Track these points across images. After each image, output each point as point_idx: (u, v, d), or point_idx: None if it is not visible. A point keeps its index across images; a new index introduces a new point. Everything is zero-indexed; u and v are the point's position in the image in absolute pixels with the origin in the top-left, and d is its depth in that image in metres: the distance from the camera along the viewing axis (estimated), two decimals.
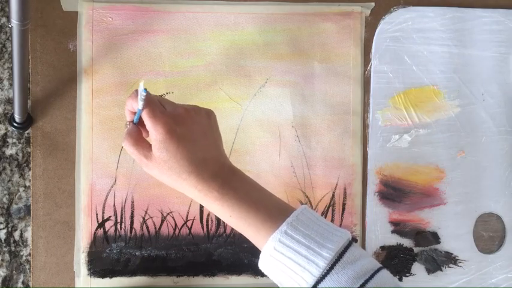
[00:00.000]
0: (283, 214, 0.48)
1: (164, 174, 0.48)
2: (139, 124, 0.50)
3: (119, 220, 0.62)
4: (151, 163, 0.48)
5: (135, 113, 0.49)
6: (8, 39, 0.63)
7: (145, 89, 0.45)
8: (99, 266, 0.62)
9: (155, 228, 0.63)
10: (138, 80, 0.63)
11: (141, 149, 0.48)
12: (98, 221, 0.62)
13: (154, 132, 0.47)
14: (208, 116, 0.51)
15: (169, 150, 0.47)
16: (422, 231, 0.67)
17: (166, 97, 0.63)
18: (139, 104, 0.47)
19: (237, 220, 0.48)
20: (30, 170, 0.62)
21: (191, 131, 0.48)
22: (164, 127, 0.46)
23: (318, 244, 0.45)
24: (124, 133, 0.50)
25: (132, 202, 0.63)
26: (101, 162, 0.62)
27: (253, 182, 0.51)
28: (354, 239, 0.48)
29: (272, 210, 0.48)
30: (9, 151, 0.63)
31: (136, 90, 0.47)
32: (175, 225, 0.63)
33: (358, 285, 0.44)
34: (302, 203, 0.65)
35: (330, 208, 0.65)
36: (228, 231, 0.64)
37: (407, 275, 0.66)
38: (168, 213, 0.63)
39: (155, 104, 0.48)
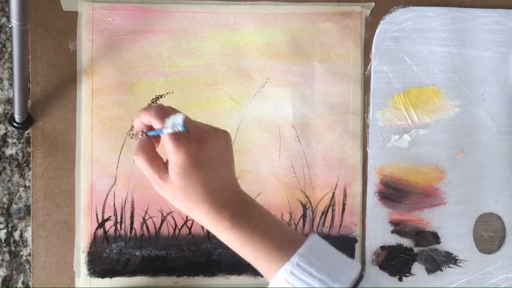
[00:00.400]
0: (294, 244, 0.46)
1: (177, 200, 0.47)
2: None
3: (118, 220, 0.62)
4: (166, 185, 0.46)
5: (148, 125, 0.47)
6: (8, 39, 0.63)
7: (183, 126, 0.43)
8: (99, 266, 0.62)
9: (155, 228, 0.63)
10: (138, 80, 0.63)
11: (156, 167, 0.46)
12: (98, 221, 0.62)
13: (175, 157, 0.45)
14: (225, 138, 0.49)
15: (189, 177, 0.45)
16: (422, 231, 0.67)
17: (166, 97, 0.63)
18: (165, 130, 0.45)
19: (247, 250, 0.47)
20: (30, 170, 0.62)
21: (211, 157, 0.46)
22: (187, 153, 0.44)
23: (330, 277, 0.44)
24: (136, 145, 0.47)
25: (132, 202, 0.63)
26: (101, 162, 0.62)
27: (264, 210, 0.50)
28: (361, 273, 0.47)
29: (283, 240, 0.47)
30: (9, 151, 0.63)
31: (157, 108, 0.45)
32: (175, 225, 0.63)
33: None
34: (302, 204, 0.65)
35: (330, 208, 0.65)
36: None
37: (407, 275, 0.66)
38: (168, 213, 0.63)
39: None
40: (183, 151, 0.44)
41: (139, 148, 0.47)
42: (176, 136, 0.45)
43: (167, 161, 0.46)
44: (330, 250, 0.47)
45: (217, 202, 0.46)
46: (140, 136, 0.48)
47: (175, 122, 0.44)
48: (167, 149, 0.45)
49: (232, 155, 0.50)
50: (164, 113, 0.46)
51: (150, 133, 0.47)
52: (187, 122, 0.46)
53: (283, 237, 0.47)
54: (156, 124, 0.46)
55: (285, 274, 0.45)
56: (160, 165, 0.46)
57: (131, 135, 0.48)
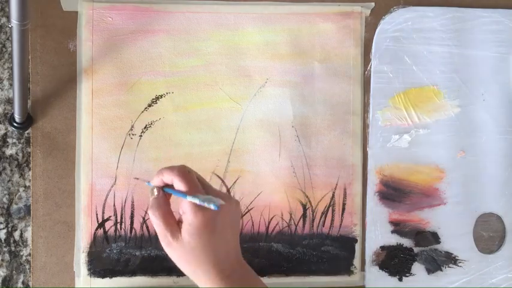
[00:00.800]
0: None
1: (185, 260, 0.47)
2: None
3: (118, 220, 0.62)
4: (176, 244, 0.46)
5: (165, 183, 0.48)
6: (8, 39, 0.63)
7: (217, 206, 0.44)
8: (99, 266, 0.62)
9: None
10: (138, 80, 0.63)
11: (169, 225, 0.47)
12: (98, 221, 0.62)
13: (192, 217, 0.45)
14: (236, 206, 0.50)
15: (202, 239, 0.46)
16: (422, 231, 0.67)
17: (166, 97, 0.63)
18: (188, 198, 0.46)
19: None
20: (30, 170, 0.62)
21: (224, 223, 0.47)
22: (204, 215, 0.45)
23: None
24: (152, 201, 0.48)
25: (132, 202, 0.63)
26: (101, 162, 0.62)
27: (259, 281, 0.51)
28: None
29: None
30: (9, 151, 0.63)
31: (181, 171, 0.47)
32: None
33: None
34: (302, 204, 0.65)
35: (330, 208, 0.65)
36: None
37: (407, 275, 0.66)
38: None
39: (198, 188, 0.47)
40: (201, 213, 0.46)
41: (154, 204, 0.48)
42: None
43: (179, 220, 0.47)
44: None
45: (222, 270, 0.47)
46: (156, 192, 0.49)
47: (212, 203, 0.45)
48: (184, 208, 0.46)
49: (240, 224, 0.52)
50: (188, 179, 0.47)
51: (168, 190, 0.48)
52: (204, 185, 0.48)
53: None
54: (181, 186, 0.47)
55: None
56: (174, 224, 0.47)
57: (151, 192, 0.50)
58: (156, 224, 0.47)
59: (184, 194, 0.46)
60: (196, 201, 0.45)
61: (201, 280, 0.48)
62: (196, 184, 0.48)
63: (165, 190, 0.49)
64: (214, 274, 0.47)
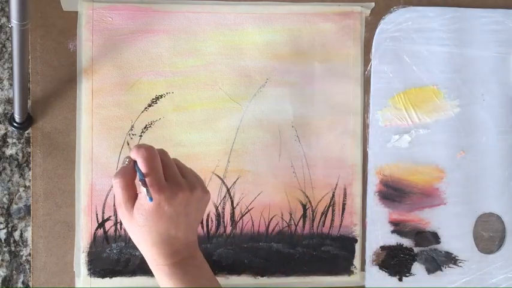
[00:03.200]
0: None
1: (131, 232, 0.50)
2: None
3: (119, 220, 0.62)
4: (127, 215, 0.49)
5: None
6: (8, 39, 0.63)
7: (141, 177, 0.47)
8: (99, 266, 0.62)
9: None
10: (138, 80, 0.63)
11: (128, 197, 0.49)
12: (98, 221, 0.62)
13: (144, 200, 0.48)
14: (202, 197, 0.52)
15: (148, 220, 0.48)
16: (422, 231, 0.67)
17: (166, 97, 0.63)
18: (138, 175, 0.48)
19: None
20: (30, 170, 0.62)
21: (177, 212, 0.49)
22: (154, 202, 0.48)
23: None
24: (119, 169, 0.51)
25: None
26: (101, 162, 0.62)
27: (206, 270, 0.53)
28: None
29: None
30: (9, 151, 0.63)
31: (145, 153, 0.48)
32: None
33: None
34: (302, 204, 0.65)
35: (330, 208, 0.65)
36: (228, 231, 0.64)
37: (407, 275, 0.66)
38: None
39: (156, 173, 0.48)
40: (154, 197, 0.47)
41: (120, 172, 0.50)
42: (151, 183, 0.48)
43: (137, 196, 0.49)
44: None
45: (165, 249, 0.50)
46: (126, 162, 0.51)
47: (148, 196, 0.47)
48: (142, 190, 0.48)
49: (203, 213, 0.54)
50: (149, 163, 0.48)
51: (137, 167, 0.49)
52: (168, 167, 0.50)
53: None
54: (142, 168, 0.48)
55: None
56: (131, 197, 0.49)
57: (122, 162, 0.52)
58: (117, 192, 0.49)
59: (142, 174, 0.48)
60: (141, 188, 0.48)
61: (144, 254, 0.51)
62: (155, 170, 0.48)
63: (136, 167, 0.50)
64: (156, 252, 0.50)
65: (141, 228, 0.49)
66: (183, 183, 0.50)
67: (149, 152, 0.49)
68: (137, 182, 0.49)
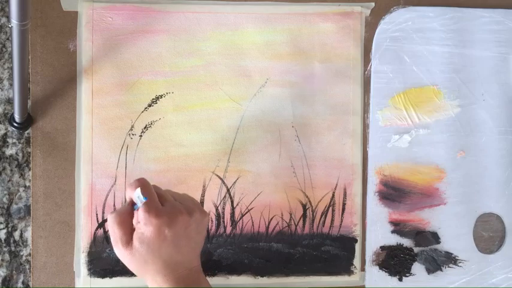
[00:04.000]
0: None
1: (133, 264, 0.49)
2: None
3: None
4: (125, 250, 0.49)
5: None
6: (8, 39, 0.63)
7: (145, 197, 0.48)
8: (99, 266, 0.62)
9: None
10: (138, 80, 0.63)
11: (123, 231, 0.49)
12: (98, 221, 0.62)
13: (144, 227, 0.48)
14: (201, 219, 0.52)
15: (150, 248, 0.48)
16: (422, 231, 0.67)
17: (166, 97, 0.63)
18: (137, 202, 0.49)
19: None
20: (30, 170, 0.62)
21: (178, 236, 0.49)
22: (154, 227, 0.47)
23: None
24: (117, 209, 0.51)
25: None
26: (101, 162, 0.62)
27: None
28: None
29: None
30: (9, 151, 0.63)
31: (135, 182, 0.49)
32: None
33: None
34: (302, 204, 0.65)
35: (330, 208, 0.65)
36: (228, 231, 0.64)
37: (407, 275, 0.67)
38: None
39: (153, 201, 0.49)
40: (150, 225, 0.48)
41: (116, 211, 0.50)
42: (148, 210, 0.48)
43: (133, 232, 0.49)
44: None
45: (170, 275, 0.49)
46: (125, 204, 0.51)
47: (137, 195, 0.48)
48: (139, 218, 0.48)
49: (204, 235, 0.53)
50: (146, 189, 0.49)
51: (134, 207, 0.50)
52: (163, 195, 0.50)
53: None
54: (144, 192, 0.49)
55: None
56: (127, 233, 0.49)
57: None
58: (112, 228, 0.49)
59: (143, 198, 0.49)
60: (139, 206, 0.49)
61: (149, 282, 0.50)
62: (152, 196, 0.49)
63: (135, 207, 0.50)
64: (161, 280, 0.49)
65: (144, 257, 0.48)
66: (181, 207, 0.50)
67: (144, 180, 0.50)
68: (138, 214, 0.49)
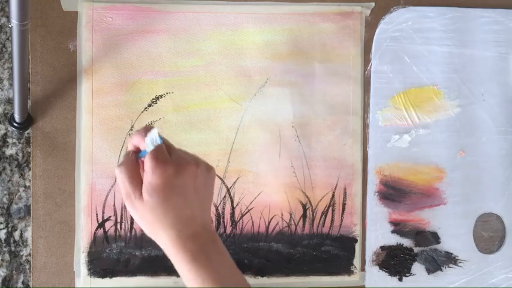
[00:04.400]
0: None
1: (145, 219, 0.47)
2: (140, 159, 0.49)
3: (119, 220, 0.62)
4: (137, 203, 0.46)
5: (138, 147, 0.49)
6: (8, 39, 0.63)
7: (161, 138, 0.46)
8: (99, 266, 0.62)
9: None
10: (138, 80, 0.63)
11: (134, 185, 0.47)
12: (98, 221, 0.62)
13: (151, 176, 0.46)
14: (207, 172, 0.50)
15: (160, 198, 0.46)
16: (422, 231, 0.67)
17: (166, 97, 0.63)
18: (147, 147, 0.46)
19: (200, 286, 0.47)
20: (30, 170, 0.62)
21: (187, 185, 0.47)
22: (163, 175, 0.46)
23: None
24: (122, 159, 0.49)
25: None
26: (101, 162, 0.62)
27: (227, 256, 0.50)
28: None
29: None
30: (9, 151, 0.63)
31: (145, 128, 0.47)
32: None
33: None
34: (302, 204, 0.65)
35: (330, 208, 0.65)
36: (228, 231, 0.64)
37: (407, 275, 0.67)
38: None
39: (161, 148, 0.47)
40: (159, 172, 0.45)
41: (123, 163, 0.48)
42: (156, 158, 0.46)
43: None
44: None
45: (184, 231, 0.47)
46: (129, 155, 0.49)
47: (152, 137, 0.46)
48: (146, 169, 0.46)
49: (212, 190, 0.51)
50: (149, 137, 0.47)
51: (140, 155, 0.48)
52: (170, 147, 0.48)
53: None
54: (142, 144, 0.47)
55: None
56: (138, 185, 0.47)
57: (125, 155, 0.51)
58: (121, 180, 0.47)
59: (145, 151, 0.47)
60: (148, 149, 0.46)
61: (162, 241, 0.48)
62: (160, 145, 0.47)
63: (138, 156, 0.49)
64: (174, 235, 0.46)
65: (155, 210, 0.46)
66: (188, 158, 0.49)
67: (146, 127, 0.48)
68: (144, 164, 0.47)
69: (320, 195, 0.65)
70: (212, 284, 0.47)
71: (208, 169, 0.50)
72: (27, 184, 0.63)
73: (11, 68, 0.61)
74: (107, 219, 0.62)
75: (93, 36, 0.62)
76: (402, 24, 0.66)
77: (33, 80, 0.61)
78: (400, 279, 0.66)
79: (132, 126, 0.62)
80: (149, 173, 0.46)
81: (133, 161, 0.48)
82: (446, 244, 0.67)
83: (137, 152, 0.49)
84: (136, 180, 0.47)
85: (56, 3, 0.61)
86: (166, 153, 0.47)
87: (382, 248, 0.66)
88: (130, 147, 0.49)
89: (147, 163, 0.46)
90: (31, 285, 0.62)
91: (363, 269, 0.66)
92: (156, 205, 0.46)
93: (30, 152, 0.62)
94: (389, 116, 0.66)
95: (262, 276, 0.64)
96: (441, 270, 0.67)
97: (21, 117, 0.59)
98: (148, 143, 0.47)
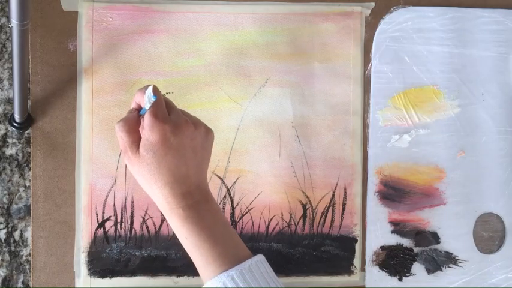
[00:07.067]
0: (237, 258, 0.48)
1: (141, 175, 0.48)
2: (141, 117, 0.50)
3: (118, 220, 0.62)
4: (134, 157, 0.48)
5: (140, 105, 0.50)
6: (8, 39, 0.63)
7: (154, 95, 0.47)
8: (99, 266, 0.62)
9: (155, 228, 0.63)
10: (138, 80, 0.63)
11: (131, 139, 0.48)
12: (98, 221, 0.62)
13: (149, 133, 0.47)
14: (206, 133, 0.51)
15: (156, 155, 0.47)
16: (422, 231, 0.67)
17: (167, 97, 0.63)
18: (145, 105, 0.47)
19: (191, 245, 0.48)
20: (30, 170, 0.62)
21: (183, 145, 0.48)
22: (160, 132, 0.47)
23: None
24: (123, 117, 0.50)
25: (132, 202, 0.63)
26: (101, 162, 0.62)
27: (221, 215, 0.51)
28: None
29: (228, 250, 0.49)
30: (9, 151, 0.63)
31: (146, 86, 0.48)
32: None
33: None
34: (302, 204, 0.65)
35: (330, 208, 0.65)
36: None
37: (407, 275, 0.67)
38: None
39: (161, 106, 0.48)
40: (156, 129, 0.47)
41: (123, 119, 0.49)
42: (155, 115, 0.47)
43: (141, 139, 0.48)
44: (270, 275, 0.49)
45: (178, 188, 0.48)
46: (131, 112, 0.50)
47: (148, 94, 0.47)
48: (145, 125, 0.47)
49: (209, 153, 0.52)
50: (157, 92, 0.48)
51: (141, 112, 0.49)
52: (170, 106, 0.50)
53: (230, 248, 0.49)
54: (142, 101, 0.48)
55: (218, 283, 0.47)
56: (136, 141, 0.48)
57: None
58: (120, 136, 0.48)
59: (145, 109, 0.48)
60: (146, 107, 0.47)
61: (156, 196, 0.49)
62: (159, 101, 0.48)
63: (140, 113, 0.49)
64: (167, 192, 0.48)
65: (150, 166, 0.47)
66: (187, 118, 0.50)
67: (155, 86, 0.49)
68: (143, 120, 0.48)
69: (320, 195, 0.65)
70: (201, 241, 0.48)
71: (207, 131, 0.51)
72: (27, 184, 0.63)
73: (11, 68, 0.61)
74: (107, 219, 0.62)
75: (93, 36, 0.62)
76: (402, 24, 0.66)
77: (33, 80, 0.61)
78: (400, 279, 0.66)
79: None
80: (147, 129, 0.47)
81: (133, 118, 0.49)
82: (446, 244, 0.67)
83: (139, 110, 0.50)
84: (134, 136, 0.48)
85: (56, 3, 0.61)
86: (165, 111, 0.48)
87: (382, 248, 0.66)
88: (133, 105, 0.50)
89: (146, 120, 0.47)
90: (31, 285, 0.62)
91: (363, 269, 0.66)
92: (152, 161, 0.47)
93: (30, 152, 0.62)
94: (389, 116, 0.66)
95: None
96: (441, 270, 0.67)
97: (21, 117, 0.59)
98: (146, 100, 0.48)
